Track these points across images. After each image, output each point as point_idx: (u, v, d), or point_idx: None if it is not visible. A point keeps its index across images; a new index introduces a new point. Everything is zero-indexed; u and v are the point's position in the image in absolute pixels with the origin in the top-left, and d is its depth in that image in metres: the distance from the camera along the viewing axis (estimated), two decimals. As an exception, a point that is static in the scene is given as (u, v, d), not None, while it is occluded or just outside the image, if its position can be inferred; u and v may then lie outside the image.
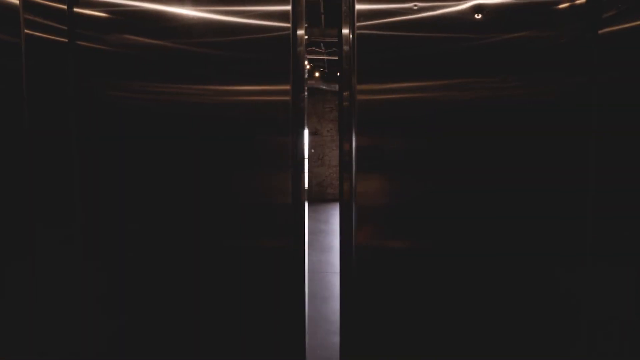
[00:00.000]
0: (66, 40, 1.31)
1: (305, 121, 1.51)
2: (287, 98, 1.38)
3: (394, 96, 1.40)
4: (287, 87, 1.38)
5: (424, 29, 1.35)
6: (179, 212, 1.42)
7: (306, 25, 1.51)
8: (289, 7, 1.36)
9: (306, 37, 1.53)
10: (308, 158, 12.93)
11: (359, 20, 1.37)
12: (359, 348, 1.47)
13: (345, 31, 1.48)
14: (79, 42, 1.32)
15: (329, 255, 5.32)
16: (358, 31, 1.37)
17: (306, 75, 1.53)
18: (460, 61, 1.35)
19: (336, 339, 2.70)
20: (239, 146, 1.40)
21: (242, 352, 1.43)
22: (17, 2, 1.11)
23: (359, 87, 1.38)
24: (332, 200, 13.07)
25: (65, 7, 1.30)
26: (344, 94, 1.49)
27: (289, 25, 1.37)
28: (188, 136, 1.40)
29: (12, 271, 1.30)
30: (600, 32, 1.20)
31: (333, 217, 9.21)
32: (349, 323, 1.50)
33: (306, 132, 1.55)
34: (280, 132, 1.40)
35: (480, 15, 1.31)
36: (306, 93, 1.50)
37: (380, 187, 1.43)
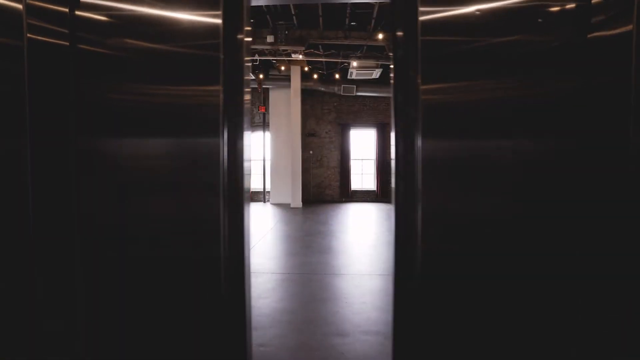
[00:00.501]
0: (67, 44, 1.32)
1: (245, 123, 1.50)
2: (217, 99, 1.37)
3: (461, 96, 1.35)
4: (217, 88, 1.37)
5: (487, 30, 1.31)
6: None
7: (248, 28, 1.51)
8: (219, 12, 1.36)
9: (248, 39, 1.52)
10: (307, 160, 12.92)
11: (423, 23, 1.34)
12: (412, 354, 1.43)
13: (399, 34, 1.46)
14: (80, 46, 1.34)
15: (328, 256, 5.32)
16: (423, 37, 1.34)
17: (248, 77, 1.52)
18: (529, 60, 1.29)
19: (335, 340, 2.71)
20: (169, 146, 1.38)
21: (183, 352, 1.41)
22: (21, 7, 1.12)
23: (424, 87, 1.34)
24: (330, 201, 13.08)
25: (67, 10, 1.32)
26: (400, 96, 1.46)
27: (218, 25, 1.35)
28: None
29: (10, 264, 1.30)
30: (589, 36, 1.22)
31: (332, 218, 9.21)
32: (404, 329, 1.45)
33: (247, 134, 1.53)
34: (209, 133, 1.38)
35: (541, 20, 1.28)
36: (247, 96, 1.50)
37: (450, 190, 1.36)
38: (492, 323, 1.34)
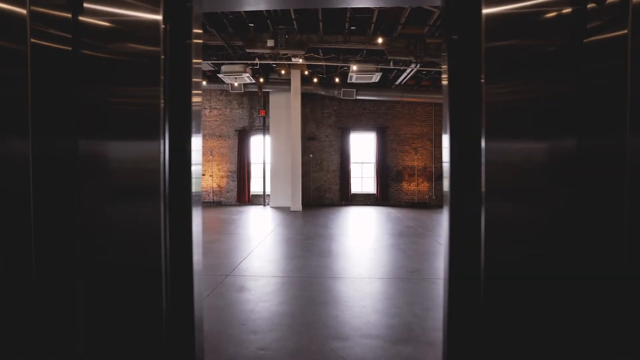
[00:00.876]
0: (70, 49, 1.33)
1: (194, 126, 1.48)
2: (157, 100, 1.35)
3: (530, 96, 1.30)
4: (156, 89, 1.36)
5: (555, 27, 1.27)
6: None
7: (198, 31, 1.51)
8: (159, 13, 1.36)
9: (198, 41, 1.52)
10: (307, 163, 12.93)
11: (487, 22, 1.31)
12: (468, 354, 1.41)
13: (455, 37, 1.45)
14: (83, 51, 1.35)
15: (328, 260, 5.32)
16: (487, 36, 1.31)
17: (198, 79, 1.51)
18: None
19: (335, 344, 2.71)
20: (110, 148, 1.36)
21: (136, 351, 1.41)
22: (25, 12, 1.13)
23: (488, 87, 1.31)
24: (330, 204, 13.08)
25: (70, 15, 1.33)
26: (457, 98, 1.45)
27: (158, 25, 1.35)
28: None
29: (10, 264, 1.30)
30: (585, 41, 1.23)
31: (331, 221, 9.21)
32: (459, 331, 1.42)
33: (197, 137, 1.50)
34: (149, 135, 1.36)
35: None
36: (195, 98, 1.49)
37: (517, 193, 1.31)
38: (547, 323, 1.31)
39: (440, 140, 13.21)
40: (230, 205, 13.02)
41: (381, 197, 13.11)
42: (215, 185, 13.26)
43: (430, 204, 13.10)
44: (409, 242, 6.60)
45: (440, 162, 13.20)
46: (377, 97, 12.50)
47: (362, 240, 6.83)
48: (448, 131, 1.48)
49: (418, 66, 9.31)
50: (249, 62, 10.03)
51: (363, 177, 13.63)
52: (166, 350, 1.41)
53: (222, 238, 7.04)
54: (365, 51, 9.40)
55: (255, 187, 13.30)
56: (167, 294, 1.40)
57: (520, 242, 1.32)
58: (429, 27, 8.16)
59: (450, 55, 1.49)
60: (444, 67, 1.52)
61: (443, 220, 1.52)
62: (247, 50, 9.07)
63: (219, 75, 10.54)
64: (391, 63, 9.65)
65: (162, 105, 1.37)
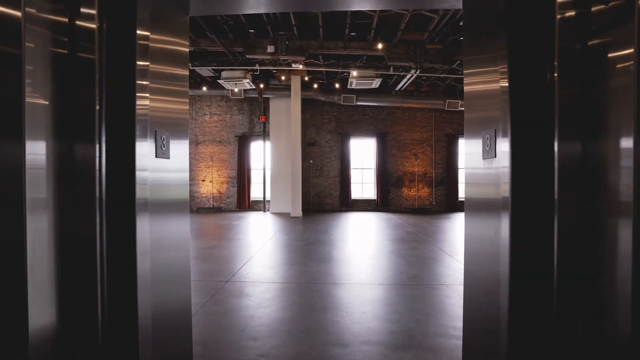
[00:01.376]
0: (66, 52, 1.33)
1: (139, 130, 1.42)
2: (90, 102, 1.31)
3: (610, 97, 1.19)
4: (91, 90, 1.31)
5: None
6: None
7: (144, 33, 1.46)
8: (94, 10, 1.32)
9: (143, 43, 1.46)
10: (307, 169, 12.93)
11: (561, 10, 1.25)
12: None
13: (511, 41, 1.43)
14: (80, 54, 1.34)
15: (328, 265, 5.29)
16: (561, 40, 1.26)
17: (145, 82, 1.46)
18: None
19: (335, 351, 2.67)
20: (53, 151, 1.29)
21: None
22: (20, 14, 1.13)
23: (561, 84, 1.25)
24: (330, 210, 13.05)
25: (66, 20, 1.32)
26: (519, 98, 1.41)
27: (93, 20, 1.31)
28: None
29: (8, 265, 1.28)
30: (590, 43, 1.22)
31: (332, 227, 9.18)
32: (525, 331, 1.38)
33: (143, 142, 1.44)
34: (83, 138, 1.31)
35: None
36: (142, 101, 1.43)
37: (592, 197, 1.22)
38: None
39: (440, 146, 13.22)
40: (230, 211, 13.00)
41: (381, 203, 13.08)
42: (215, 191, 13.25)
43: (430, 209, 13.07)
44: (410, 248, 6.57)
45: (440, 167, 13.20)
46: (377, 102, 12.53)
47: (363, 246, 6.79)
48: (509, 134, 1.43)
49: (418, 72, 9.34)
50: (249, 68, 10.07)
51: (363, 182, 13.61)
52: (101, 352, 1.39)
53: (221, 244, 7.01)
54: (365, 57, 9.43)
55: (256, 193, 13.28)
56: (104, 301, 1.37)
57: (596, 245, 1.25)
58: (428, 33, 8.19)
59: (511, 56, 1.44)
60: (504, 68, 1.47)
61: (502, 224, 1.49)
62: (248, 56, 9.11)
63: (219, 81, 10.58)
64: (391, 69, 9.69)
65: (97, 107, 1.31)
